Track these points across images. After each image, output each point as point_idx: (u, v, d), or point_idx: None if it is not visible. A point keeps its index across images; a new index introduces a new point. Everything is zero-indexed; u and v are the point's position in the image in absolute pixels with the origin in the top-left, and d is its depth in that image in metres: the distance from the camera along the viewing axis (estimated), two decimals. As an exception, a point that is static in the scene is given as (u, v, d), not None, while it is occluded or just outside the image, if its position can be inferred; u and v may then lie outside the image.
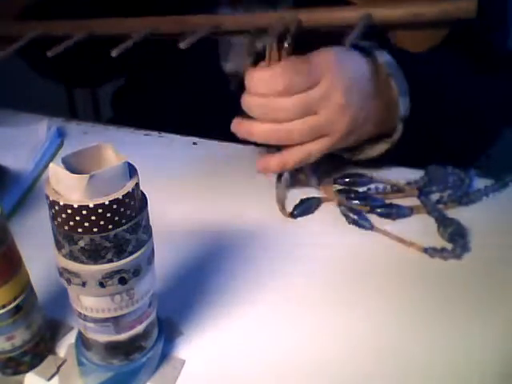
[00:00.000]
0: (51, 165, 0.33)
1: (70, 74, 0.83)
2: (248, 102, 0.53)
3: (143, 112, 0.81)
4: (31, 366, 0.42)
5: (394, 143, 0.57)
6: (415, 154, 0.61)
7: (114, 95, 0.90)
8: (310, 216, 0.58)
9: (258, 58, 0.65)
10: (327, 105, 0.51)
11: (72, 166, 0.34)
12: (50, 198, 0.33)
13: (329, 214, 0.58)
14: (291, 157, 0.54)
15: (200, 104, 0.74)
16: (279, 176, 0.60)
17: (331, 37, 0.52)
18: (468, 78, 0.66)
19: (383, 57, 0.55)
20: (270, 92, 0.50)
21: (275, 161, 0.55)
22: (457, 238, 0.52)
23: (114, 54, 0.54)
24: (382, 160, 0.60)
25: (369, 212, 0.56)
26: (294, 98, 0.50)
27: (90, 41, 0.62)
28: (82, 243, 0.33)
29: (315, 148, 0.54)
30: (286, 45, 0.51)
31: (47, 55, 0.57)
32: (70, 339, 0.44)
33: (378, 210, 0.56)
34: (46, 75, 0.82)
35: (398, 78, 0.55)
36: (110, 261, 0.34)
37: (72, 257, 0.34)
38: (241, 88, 0.70)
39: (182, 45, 0.51)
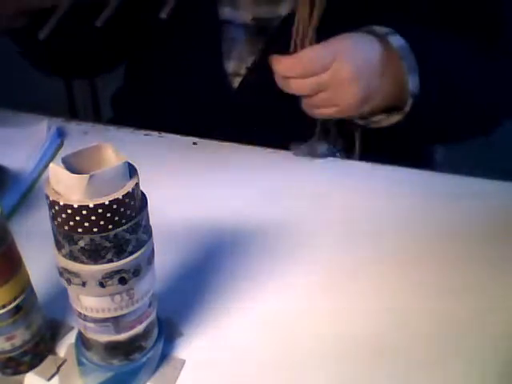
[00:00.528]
0: (51, 165, 0.33)
1: (67, 64, 0.82)
2: (277, 79, 0.61)
3: (143, 112, 0.81)
4: (31, 366, 0.42)
5: (405, 116, 0.63)
6: (422, 131, 0.69)
7: (113, 96, 0.90)
8: (309, 216, 0.58)
9: (261, 57, 0.66)
10: (337, 81, 0.59)
11: (72, 166, 0.34)
12: (50, 198, 0.33)
13: (328, 214, 0.58)
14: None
15: (200, 104, 0.74)
16: None
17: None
18: (474, 61, 0.69)
19: (397, 41, 0.62)
20: (292, 75, 0.59)
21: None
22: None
23: (98, 23, 0.55)
24: (395, 131, 0.65)
25: None
26: (309, 80, 0.59)
27: (86, 28, 0.61)
28: (82, 243, 0.33)
29: (326, 112, 0.62)
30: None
31: (39, 37, 0.57)
32: (70, 339, 0.44)
33: None
34: (44, 68, 0.82)
35: (408, 60, 0.61)
36: (110, 261, 0.34)
37: (72, 257, 0.34)
38: (242, 87, 0.70)
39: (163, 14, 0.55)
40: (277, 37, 0.68)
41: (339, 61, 0.58)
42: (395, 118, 0.64)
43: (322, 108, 0.62)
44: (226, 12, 0.70)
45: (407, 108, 0.63)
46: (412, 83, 0.61)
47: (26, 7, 0.61)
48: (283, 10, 0.68)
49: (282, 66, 0.59)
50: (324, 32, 0.58)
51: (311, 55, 0.59)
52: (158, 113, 0.78)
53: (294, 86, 0.60)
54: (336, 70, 0.58)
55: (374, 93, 0.61)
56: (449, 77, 0.65)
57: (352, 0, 0.65)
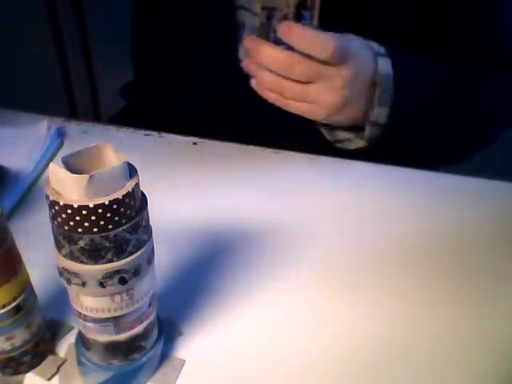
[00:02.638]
0: (51, 165, 0.33)
1: None
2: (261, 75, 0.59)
3: (156, 98, 0.81)
4: (31, 366, 0.42)
5: (370, 142, 0.64)
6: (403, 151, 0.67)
7: (124, 85, 0.90)
8: (310, 216, 0.58)
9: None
10: (327, 85, 0.58)
11: (72, 166, 0.34)
12: (50, 198, 0.33)
13: (328, 214, 0.58)
14: (279, 101, 0.60)
15: (214, 88, 0.74)
16: None
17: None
18: (466, 82, 0.68)
19: (384, 67, 0.60)
20: (301, 47, 0.56)
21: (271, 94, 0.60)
22: None
23: None
24: (365, 153, 0.66)
25: None
26: (313, 64, 0.57)
27: None
28: (82, 243, 0.33)
29: (297, 107, 0.60)
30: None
31: None
32: (70, 339, 0.44)
33: None
34: None
35: (385, 91, 0.61)
36: (110, 261, 0.34)
37: (72, 257, 0.34)
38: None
39: None
40: None
41: (348, 61, 0.57)
42: (360, 143, 0.65)
43: (295, 101, 0.59)
44: (241, 4, 0.70)
45: (366, 135, 0.63)
46: (377, 114, 0.61)
47: None
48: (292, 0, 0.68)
49: (294, 33, 0.56)
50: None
51: (328, 39, 0.56)
52: (164, 106, 0.78)
53: (299, 64, 0.57)
54: (339, 69, 0.57)
55: (347, 111, 0.61)
56: (432, 106, 0.65)
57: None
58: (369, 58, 0.60)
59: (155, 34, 0.79)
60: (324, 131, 0.68)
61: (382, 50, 0.61)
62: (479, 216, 0.57)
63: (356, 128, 0.65)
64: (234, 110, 0.72)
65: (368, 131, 0.63)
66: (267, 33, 0.60)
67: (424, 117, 0.65)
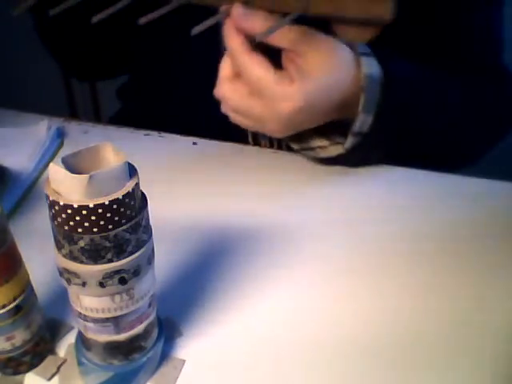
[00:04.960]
0: (51, 165, 0.33)
1: (73, 63, 0.83)
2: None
3: (148, 105, 0.81)
4: (31, 366, 0.42)
5: (348, 151, 0.58)
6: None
7: (119, 88, 0.90)
8: (310, 216, 0.58)
9: None
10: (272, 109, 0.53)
11: (72, 166, 0.34)
12: (50, 198, 0.33)
13: (329, 215, 0.58)
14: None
15: (202, 103, 0.74)
16: None
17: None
18: (452, 96, 0.65)
19: (367, 67, 0.54)
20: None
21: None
22: None
23: (141, 21, 0.53)
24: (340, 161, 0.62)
25: None
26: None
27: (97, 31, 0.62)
28: (82, 243, 0.33)
29: (245, 122, 0.58)
30: None
31: (49, 13, 0.55)
32: (70, 339, 0.44)
33: None
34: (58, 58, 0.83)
35: (370, 95, 0.54)
36: (110, 261, 0.34)
37: (72, 257, 0.34)
38: None
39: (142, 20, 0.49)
40: None
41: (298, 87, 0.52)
42: (336, 151, 0.59)
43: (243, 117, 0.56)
44: None
45: (347, 145, 0.57)
46: (359, 122, 0.55)
47: None
48: None
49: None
50: None
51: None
52: (161, 107, 0.78)
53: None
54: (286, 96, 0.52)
55: (306, 126, 0.57)
56: (416, 114, 0.60)
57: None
58: (346, 61, 0.54)
59: (146, 39, 0.79)
60: (294, 145, 0.62)
61: (366, 49, 0.55)
62: (479, 216, 0.57)
63: (330, 132, 0.59)
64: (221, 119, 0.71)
65: (350, 142, 0.57)
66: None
67: (411, 121, 0.60)
